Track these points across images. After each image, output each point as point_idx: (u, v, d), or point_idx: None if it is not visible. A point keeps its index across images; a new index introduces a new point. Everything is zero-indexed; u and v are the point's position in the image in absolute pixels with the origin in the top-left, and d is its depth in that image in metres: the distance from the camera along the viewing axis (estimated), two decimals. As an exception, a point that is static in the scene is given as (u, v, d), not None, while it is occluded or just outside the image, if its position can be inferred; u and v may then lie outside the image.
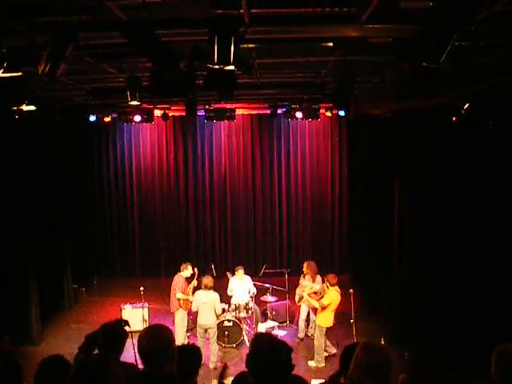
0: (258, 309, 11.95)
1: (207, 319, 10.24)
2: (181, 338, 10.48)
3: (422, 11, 4.39)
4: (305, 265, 11.56)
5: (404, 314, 11.03)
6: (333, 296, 10.22)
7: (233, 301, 11.67)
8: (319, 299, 10.47)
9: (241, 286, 11.98)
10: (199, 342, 10.13)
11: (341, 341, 10.47)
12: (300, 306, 11.66)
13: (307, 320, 11.74)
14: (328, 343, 10.58)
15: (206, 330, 10.31)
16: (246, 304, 11.40)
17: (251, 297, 11.71)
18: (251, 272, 12.94)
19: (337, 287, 10.29)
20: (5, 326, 9.09)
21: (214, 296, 10.24)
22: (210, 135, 16.00)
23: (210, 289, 10.21)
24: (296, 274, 12.96)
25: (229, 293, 11.98)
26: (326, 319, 10.35)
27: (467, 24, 4.16)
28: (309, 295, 10.92)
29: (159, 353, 3.42)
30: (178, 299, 10.79)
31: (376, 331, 10.83)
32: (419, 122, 10.44)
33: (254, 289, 12.01)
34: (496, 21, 4.72)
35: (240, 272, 12.04)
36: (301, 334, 11.68)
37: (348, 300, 10.40)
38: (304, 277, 11.52)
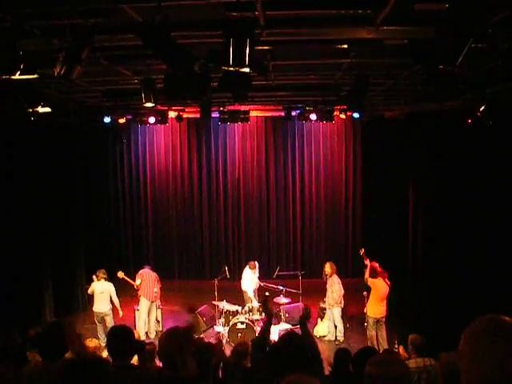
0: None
1: (103, 307, 11.22)
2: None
3: (437, 13, 4.36)
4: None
5: (418, 316, 10.95)
6: (376, 284, 10.40)
7: (246, 293, 11.91)
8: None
9: (255, 279, 12.22)
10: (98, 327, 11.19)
11: (354, 344, 10.43)
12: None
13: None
14: (384, 336, 10.48)
15: (102, 318, 11.21)
16: (260, 306, 11.37)
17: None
18: (264, 274, 12.91)
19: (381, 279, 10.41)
20: (20, 327, 9.13)
21: (109, 286, 11.35)
22: (224, 137, 15.99)
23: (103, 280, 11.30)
24: (309, 276, 12.94)
25: (242, 286, 12.11)
26: (373, 309, 10.38)
27: (483, 26, 4.13)
28: None
29: (176, 355, 3.40)
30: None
31: (390, 334, 10.74)
32: (433, 124, 10.39)
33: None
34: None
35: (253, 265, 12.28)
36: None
37: (361, 303, 10.35)
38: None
